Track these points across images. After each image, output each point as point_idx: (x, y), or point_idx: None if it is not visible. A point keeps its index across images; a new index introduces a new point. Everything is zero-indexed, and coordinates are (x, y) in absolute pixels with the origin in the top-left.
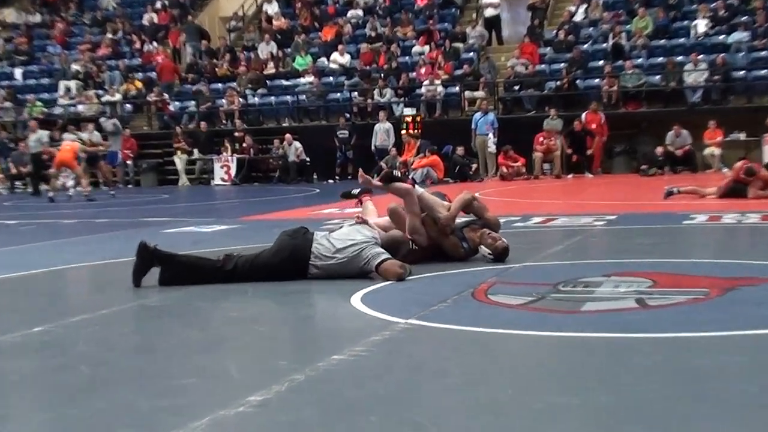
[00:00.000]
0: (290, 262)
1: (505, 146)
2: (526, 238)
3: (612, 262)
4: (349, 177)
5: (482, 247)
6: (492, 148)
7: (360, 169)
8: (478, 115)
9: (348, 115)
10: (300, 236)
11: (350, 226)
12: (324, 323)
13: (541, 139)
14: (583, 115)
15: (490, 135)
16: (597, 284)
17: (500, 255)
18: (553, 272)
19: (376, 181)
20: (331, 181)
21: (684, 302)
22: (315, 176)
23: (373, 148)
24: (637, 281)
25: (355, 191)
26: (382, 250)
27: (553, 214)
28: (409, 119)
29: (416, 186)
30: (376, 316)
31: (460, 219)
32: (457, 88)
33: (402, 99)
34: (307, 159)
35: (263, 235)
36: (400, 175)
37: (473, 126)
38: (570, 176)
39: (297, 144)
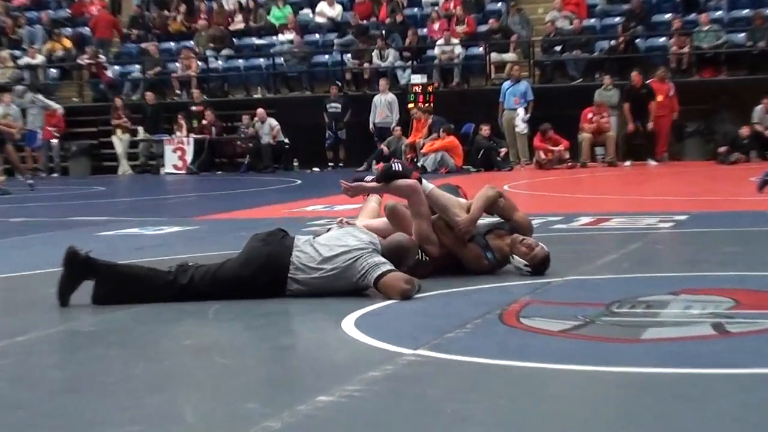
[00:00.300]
0: (263, 275)
1: (543, 125)
2: (570, 244)
3: (682, 275)
4: (341, 165)
5: (515, 257)
6: (525, 127)
7: (341, 181)
8: (507, 84)
9: (339, 84)
10: (276, 241)
11: (341, 228)
12: (307, 354)
13: (589, 115)
14: (649, 84)
15: (522, 110)
16: (662, 305)
17: (539, 266)
18: (605, 289)
19: (369, 183)
20: (316, 169)
21: None
22: (296, 163)
23: (371, 126)
24: (714, 301)
25: (369, 178)
26: (384, 260)
27: (605, 213)
28: (418, 89)
29: (423, 181)
30: (374, 346)
31: (481, 221)
32: (481, 49)
33: (409, 63)
34: (286, 141)
35: (228, 240)
36: (401, 168)
37: (501, 98)
38: (628, 163)
39: (272, 121)
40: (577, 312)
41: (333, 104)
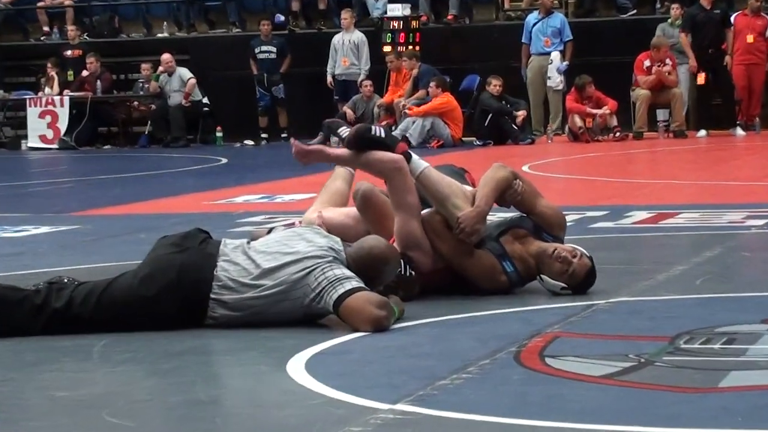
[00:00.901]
0: (174, 295)
1: (580, 77)
2: (620, 251)
3: None
4: (283, 136)
5: (544, 278)
6: (561, 80)
7: (293, 139)
8: (533, 17)
9: (280, 17)
10: (193, 247)
11: (288, 228)
12: (236, 412)
13: (646, 63)
14: (732, 18)
15: (558, 55)
16: (751, 338)
17: (581, 285)
18: (670, 316)
19: (333, 150)
20: (249, 142)
21: None
22: (219, 133)
23: (329, 79)
24: None
25: (345, 131)
26: (349, 273)
27: (669, 205)
28: (397, 25)
29: (413, 156)
30: (334, 398)
31: (490, 216)
32: None
33: None
34: (205, 101)
35: (121, 246)
36: (383, 134)
37: (525, 38)
38: (703, 133)
39: (185, 72)
40: (628, 349)
41: (264, 48)
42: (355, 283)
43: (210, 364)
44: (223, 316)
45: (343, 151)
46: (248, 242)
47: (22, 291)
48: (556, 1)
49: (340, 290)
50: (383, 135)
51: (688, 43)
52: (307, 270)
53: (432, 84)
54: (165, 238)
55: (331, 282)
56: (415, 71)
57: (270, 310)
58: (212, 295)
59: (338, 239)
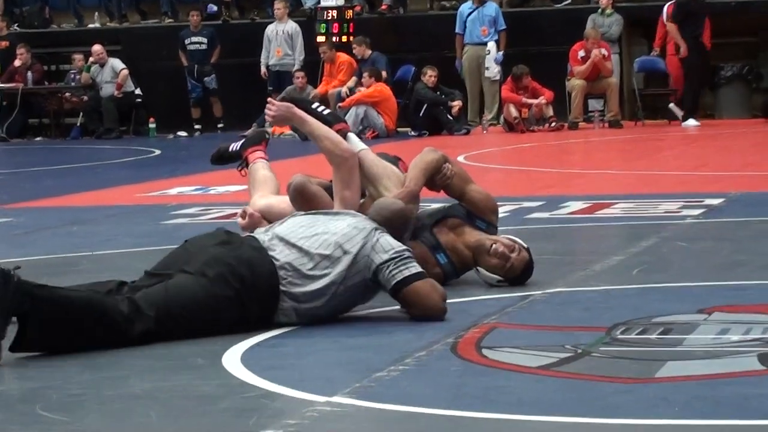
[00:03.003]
0: (252, 293)
1: (517, 67)
2: (555, 241)
3: (715, 286)
4: (219, 127)
5: (481, 270)
6: (498, 70)
7: (270, 99)
8: (467, 6)
9: (213, 7)
10: (242, 242)
11: (291, 216)
12: (171, 405)
13: (581, 53)
14: (665, 8)
15: (492, 45)
16: (687, 328)
17: (518, 278)
18: (606, 306)
19: (298, 111)
20: (182, 134)
21: None
22: (152, 125)
23: (263, 69)
24: (762, 321)
25: (236, 146)
26: (408, 250)
27: (604, 195)
28: (331, 15)
29: (351, 137)
30: (271, 391)
31: (425, 206)
32: None
33: None
34: (138, 92)
35: (54, 241)
36: (325, 113)
37: (459, 28)
38: (693, 123)
39: (117, 63)
40: (564, 339)
41: (194, 39)
42: (417, 265)
43: (144, 357)
44: (293, 308)
45: (310, 118)
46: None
47: (106, 298)
48: None
49: (406, 272)
50: (324, 112)
51: (677, 32)
52: (362, 241)
53: (365, 74)
54: (198, 239)
55: (396, 257)
56: (350, 62)
57: (339, 295)
58: (282, 288)
59: (355, 211)
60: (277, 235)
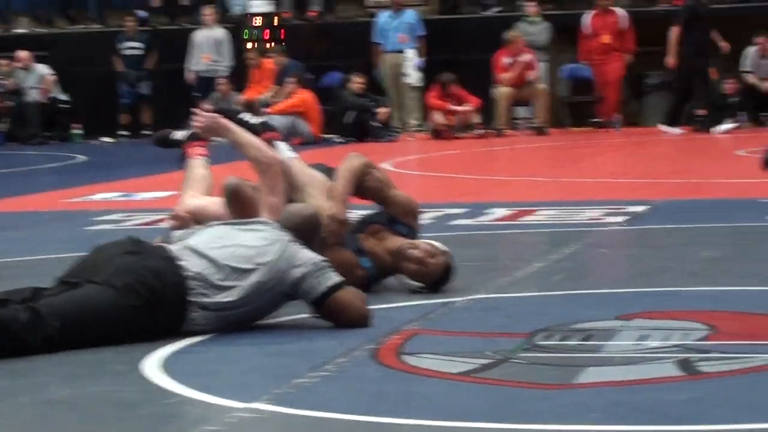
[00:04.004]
0: (162, 303)
1: (443, 75)
2: (478, 248)
3: (635, 292)
4: (145, 133)
5: (401, 277)
6: (418, 77)
7: (197, 109)
8: (385, 15)
9: (141, 13)
10: (150, 252)
11: (205, 226)
12: (90, 411)
13: (505, 59)
14: (588, 18)
15: (413, 52)
16: (607, 334)
17: (437, 283)
18: (527, 312)
19: (223, 120)
20: (107, 139)
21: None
22: (77, 130)
23: (191, 76)
24: (681, 328)
25: (180, 134)
26: (319, 256)
27: (528, 202)
28: (259, 21)
29: (279, 144)
30: (190, 398)
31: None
32: None
33: None
34: (64, 98)
35: None
36: (253, 123)
37: (378, 37)
38: (725, 128)
39: (43, 69)
40: (485, 345)
41: (130, 44)
42: (337, 275)
43: (63, 364)
44: (203, 317)
45: (235, 127)
46: (179, 240)
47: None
48: None
49: (327, 282)
50: (253, 123)
51: (676, 37)
52: (275, 254)
53: (290, 80)
54: (106, 246)
55: (314, 269)
56: (278, 68)
57: (250, 305)
58: (191, 298)
59: (264, 219)
60: (188, 246)
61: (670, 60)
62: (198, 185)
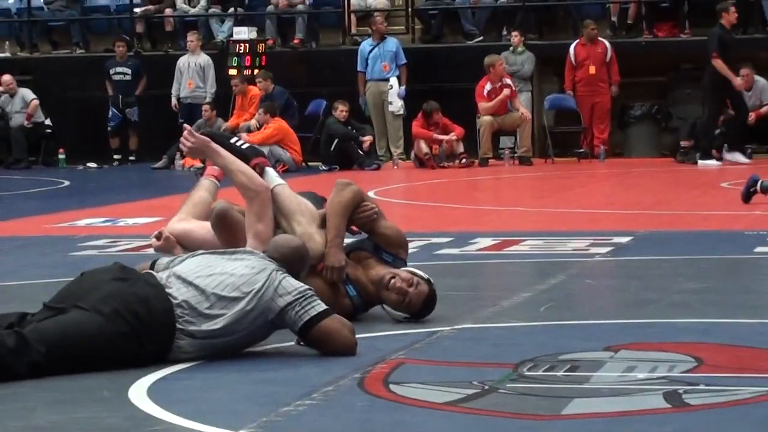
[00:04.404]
0: (148, 330)
1: (428, 103)
2: (464, 278)
3: (622, 323)
4: (131, 158)
5: (385, 307)
6: (400, 105)
7: (187, 127)
8: (367, 44)
9: (128, 39)
10: (138, 278)
11: (192, 254)
12: None
13: (487, 87)
14: (572, 48)
15: (394, 80)
16: (594, 366)
17: (420, 313)
18: (513, 342)
19: (218, 147)
20: (92, 164)
21: (754, 399)
22: (62, 155)
23: (173, 102)
24: (667, 360)
25: (242, 144)
26: (304, 285)
27: (513, 232)
28: (243, 48)
29: (268, 171)
30: (178, 425)
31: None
32: None
33: (231, 12)
34: (48, 122)
35: None
36: (244, 147)
37: (361, 66)
38: (550, 160)
39: (27, 93)
40: (472, 375)
41: (120, 69)
42: (322, 303)
43: (50, 389)
44: (189, 345)
45: (225, 152)
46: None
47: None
48: (402, 27)
49: (312, 311)
50: (244, 148)
51: (724, 65)
52: (261, 283)
53: (260, 110)
54: (93, 273)
55: (299, 297)
56: (261, 94)
57: (237, 333)
58: (178, 325)
59: (250, 249)
60: (175, 273)
61: (737, 82)
62: (194, 208)
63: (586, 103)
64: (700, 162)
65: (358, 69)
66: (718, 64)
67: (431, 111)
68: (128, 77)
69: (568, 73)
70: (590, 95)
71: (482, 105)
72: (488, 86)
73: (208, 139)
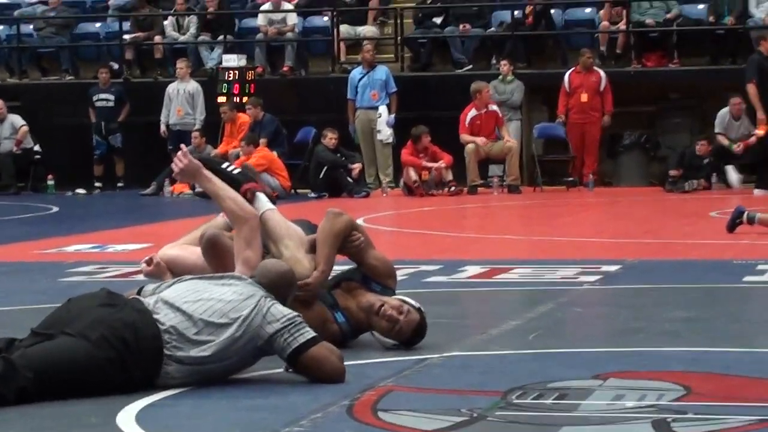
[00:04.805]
0: (136, 356)
1: (416, 128)
2: (453, 305)
3: (610, 352)
4: (120, 185)
5: (375, 334)
6: (390, 133)
7: (183, 146)
8: (357, 72)
9: (116, 66)
10: (125, 304)
11: (178, 280)
12: None
13: (472, 112)
14: (566, 75)
15: (384, 109)
16: (582, 394)
17: (410, 341)
18: (502, 370)
19: (208, 173)
20: (81, 191)
21: (743, 428)
22: (51, 181)
23: (163, 128)
24: (656, 388)
25: (233, 170)
26: (292, 312)
27: (502, 261)
28: (233, 75)
29: (259, 196)
30: None
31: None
32: (326, 19)
33: (220, 38)
34: (37, 148)
35: None
36: (233, 171)
37: (351, 94)
38: (539, 189)
39: (16, 119)
40: (460, 403)
41: (102, 96)
42: (311, 330)
43: (37, 416)
44: (177, 371)
45: (215, 179)
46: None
47: None
48: (391, 55)
49: (301, 338)
50: (234, 171)
51: (756, 93)
52: (249, 309)
53: (243, 143)
54: (80, 299)
55: (288, 324)
56: (250, 121)
57: (226, 360)
58: (166, 351)
59: (238, 274)
60: (162, 299)
61: (762, 115)
62: (194, 241)
63: (577, 131)
64: (756, 191)
65: (348, 97)
66: (752, 90)
67: (420, 135)
68: (111, 103)
69: (562, 99)
70: (581, 123)
71: (463, 137)
72: (473, 112)
73: (200, 164)
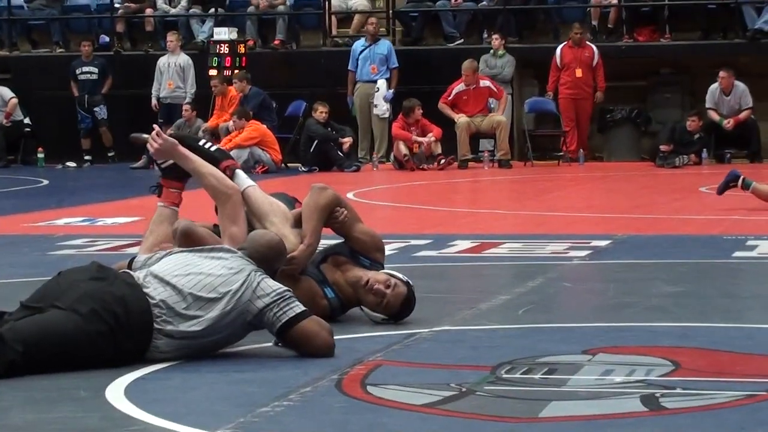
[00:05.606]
0: (127, 329)
1: (408, 100)
2: (442, 280)
3: (599, 327)
4: (110, 157)
5: (363, 308)
6: (387, 108)
7: (155, 126)
8: (359, 44)
9: (105, 38)
10: (115, 278)
11: (168, 253)
12: None
13: (460, 86)
14: (558, 50)
15: (383, 84)
16: (571, 369)
17: (398, 314)
18: (491, 345)
19: (185, 151)
20: (71, 164)
21: (731, 403)
22: (41, 154)
23: (153, 101)
24: (645, 363)
25: (212, 146)
26: (289, 290)
27: (492, 235)
28: (223, 49)
29: (239, 173)
30: (155, 425)
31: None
32: None
33: (211, 11)
34: (27, 121)
35: None
36: (212, 149)
37: (352, 65)
38: (530, 164)
39: (6, 92)
40: (449, 377)
41: (86, 69)
42: (301, 304)
43: (26, 389)
44: (167, 345)
45: (193, 156)
46: (146, 265)
47: None
48: (383, 29)
49: (291, 312)
50: (212, 148)
51: None
52: (239, 283)
53: (234, 118)
54: (70, 272)
55: (278, 299)
56: (240, 95)
57: (216, 334)
58: (156, 325)
59: (228, 246)
60: (152, 273)
61: None
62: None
63: (569, 106)
64: None
65: (349, 68)
66: None
67: (412, 107)
68: (95, 76)
69: (553, 73)
70: (574, 98)
71: (462, 108)
72: (461, 87)
73: (175, 141)
